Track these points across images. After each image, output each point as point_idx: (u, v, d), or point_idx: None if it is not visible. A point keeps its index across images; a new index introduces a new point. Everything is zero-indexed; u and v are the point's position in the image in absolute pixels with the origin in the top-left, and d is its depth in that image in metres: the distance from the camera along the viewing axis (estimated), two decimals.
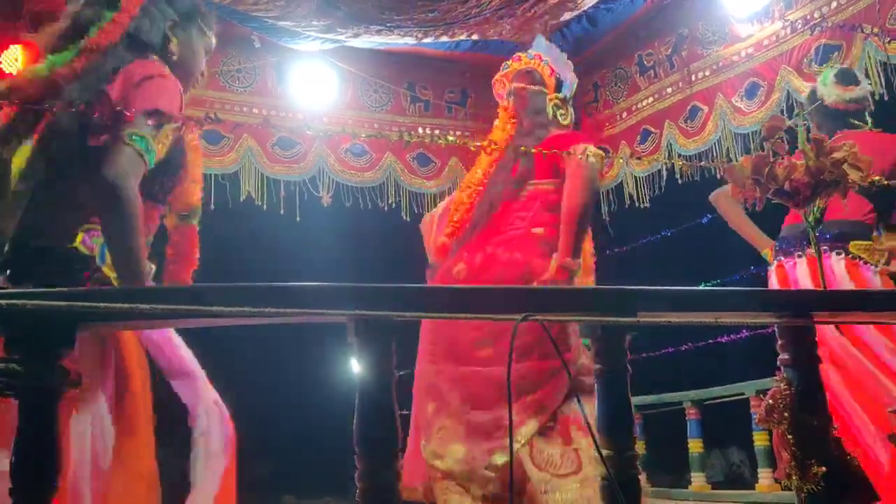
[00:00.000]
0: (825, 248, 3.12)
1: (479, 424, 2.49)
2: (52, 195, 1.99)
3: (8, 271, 1.93)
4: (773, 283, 3.29)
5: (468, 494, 2.48)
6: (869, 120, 3.36)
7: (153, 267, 2.08)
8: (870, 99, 3.42)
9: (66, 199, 1.98)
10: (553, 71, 2.94)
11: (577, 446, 2.45)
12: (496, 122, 2.93)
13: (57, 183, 1.99)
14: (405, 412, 2.68)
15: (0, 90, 1.98)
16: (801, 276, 3.17)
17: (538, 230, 2.68)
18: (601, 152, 2.71)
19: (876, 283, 3.10)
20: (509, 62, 3.01)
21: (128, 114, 1.90)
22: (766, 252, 3.41)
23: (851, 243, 3.14)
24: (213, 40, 2.40)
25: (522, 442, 2.42)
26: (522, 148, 2.66)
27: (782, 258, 3.26)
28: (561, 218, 2.62)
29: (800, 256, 3.20)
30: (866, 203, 3.16)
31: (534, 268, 2.62)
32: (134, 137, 1.94)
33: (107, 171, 1.89)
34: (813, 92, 3.45)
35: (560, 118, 2.88)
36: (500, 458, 2.41)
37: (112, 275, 1.98)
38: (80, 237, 1.98)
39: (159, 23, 2.19)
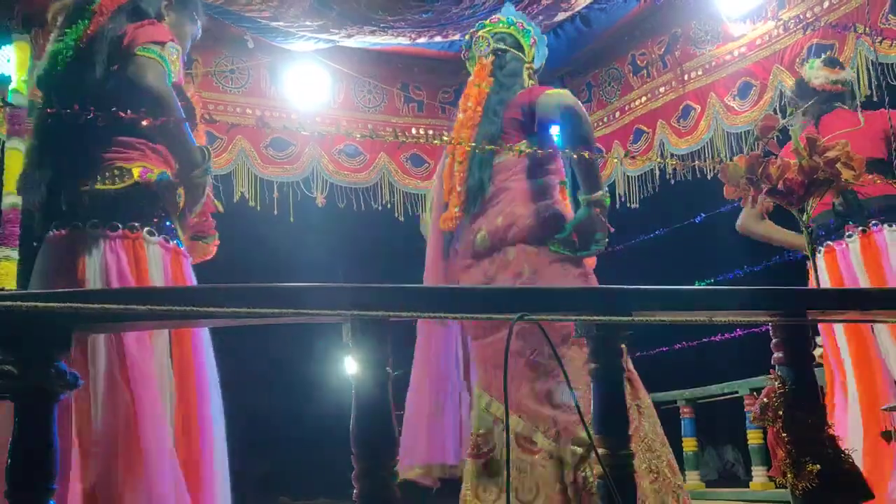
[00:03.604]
0: (875, 222, 3.15)
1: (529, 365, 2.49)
2: (77, 147, 2.14)
3: (53, 225, 2.12)
4: (822, 270, 3.27)
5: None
6: (860, 111, 3.44)
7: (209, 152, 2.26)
8: (852, 83, 3.52)
9: (94, 146, 2.14)
10: (534, 41, 2.98)
11: (639, 403, 2.48)
12: (471, 79, 2.94)
13: (78, 136, 2.12)
14: (403, 412, 2.68)
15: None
16: (855, 258, 3.17)
17: (538, 180, 2.70)
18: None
19: None
20: (487, 23, 3.02)
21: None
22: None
23: None
24: (199, 31, 2.49)
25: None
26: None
27: (830, 242, 3.26)
28: (571, 157, 2.62)
29: (850, 237, 3.20)
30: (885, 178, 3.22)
31: (555, 211, 2.64)
32: (142, 49, 2.14)
33: (142, 80, 2.10)
34: (800, 81, 3.53)
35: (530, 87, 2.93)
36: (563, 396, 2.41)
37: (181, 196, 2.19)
38: (136, 172, 2.14)
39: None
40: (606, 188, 2.65)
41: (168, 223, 2.18)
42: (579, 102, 2.66)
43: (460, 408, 2.71)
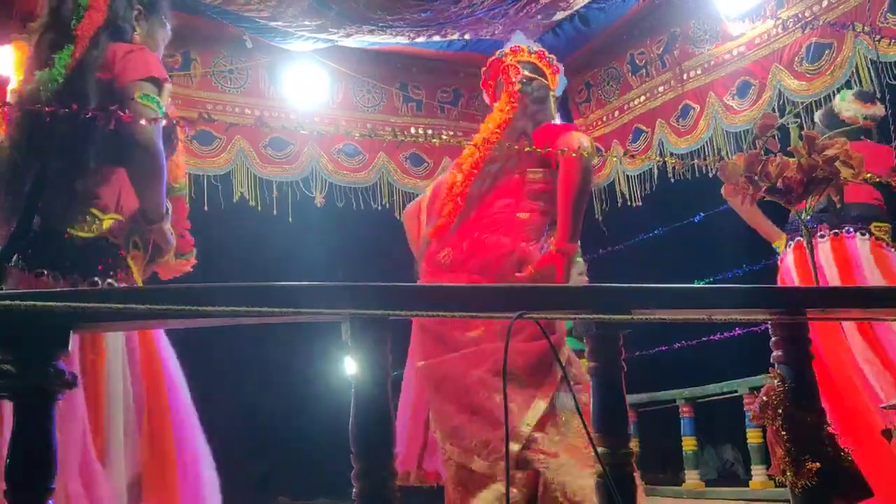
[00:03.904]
0: (849, 228, 3.22)
1: (486, 411, 2.46)
2: (57, 183, 2.09)
3: (21, 261, 2.05)
4: (789, 264, 3.34)
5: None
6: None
7: (169, 207, 2.25)
8: (878, 119, 3.54)
9: (74, 186, 2.09)
10: (556, 70, 3.02)
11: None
12: (496, 105, 2.94)
13: (60, 172, 2.09)
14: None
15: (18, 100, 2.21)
16: (824, 256, 3.23)
17: (523, 215, 2.68)
18: (592, 140, 2.77)
19: None
20: (507, 52, 3.02)
21: (123, 115, 1.94)
22: (779, 243, 3.47)
23: (872, 224, 3.28)
24: (170, 33, 2.46)
25: (532, 424, 2.40)
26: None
27: (801, 238, 3.30)
28: (558, 200, 2.62)
29: (822, 237, 3.26)
30: (873, 189, 3.25)
31: (522, 251, 2.61)
32: (143, 97, 2.11)
33: (138, 135, 2.06)
34: (829, 110, 3.57)
35: (555, 114, 2.97)
36: (515, 446, 2.39)
37: (134, 267, 2.13)
38: (107, 224, 2.10)
39: (129, 10, 2.30)
40: (577, 245, 2.64)
41: (128, 276, 2.13)
42: (588, 150, 2.63)
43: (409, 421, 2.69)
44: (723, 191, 3.53)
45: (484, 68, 3.06)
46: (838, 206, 3.27)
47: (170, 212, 2.24)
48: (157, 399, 2.07)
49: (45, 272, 2.03)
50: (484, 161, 2.76)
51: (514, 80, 2.92)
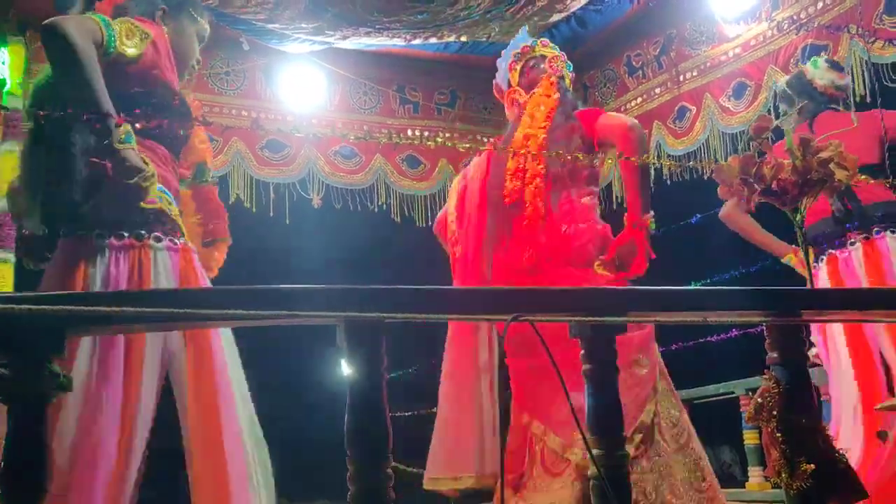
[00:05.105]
0: (878, 229, 3.14)
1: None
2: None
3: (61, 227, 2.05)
4: (823, 279, 3.25)
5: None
6: (853, 111, 3.43)
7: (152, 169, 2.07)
8: (849, 91, 3.52)
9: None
10: (572, 76, 3.13)
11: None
12: (538, 90, 2.96)
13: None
14: (398, 413, 2.67)
15: None
16: (857, 263, 3.16)
17: (586, 199, 2.77)
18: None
19: None
20: (539, 44, 3.10)
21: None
22: (790, 257, 3.39)
23: None
24: (207, 27, 2.45)
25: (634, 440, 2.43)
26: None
27: (833, 251, 3.23)
28: (623, 178, 2.74)
29: (853, 244, 3.18)
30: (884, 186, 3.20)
31: (602, 232, 2.70)
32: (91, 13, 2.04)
33: (55, 24, 1.94)
34: (798, 75, 3.51)
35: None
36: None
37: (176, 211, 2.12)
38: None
39: (148, 6, 2.29)
40: (652, 214, 2.68)
41: (175, 225, 2.13)
42: (636, 122, 2.73)
43: (484, 418, 2.66)
44: (720, 214, 3.52)
45: (516, 51, 3.10)
46: (839, 214, 3.20)
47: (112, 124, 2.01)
48: (203, 406, 2.06)
49: (86, 234, 2.02)
50: (546, 144, 2.77)
51: (558, 68, 3.02)
